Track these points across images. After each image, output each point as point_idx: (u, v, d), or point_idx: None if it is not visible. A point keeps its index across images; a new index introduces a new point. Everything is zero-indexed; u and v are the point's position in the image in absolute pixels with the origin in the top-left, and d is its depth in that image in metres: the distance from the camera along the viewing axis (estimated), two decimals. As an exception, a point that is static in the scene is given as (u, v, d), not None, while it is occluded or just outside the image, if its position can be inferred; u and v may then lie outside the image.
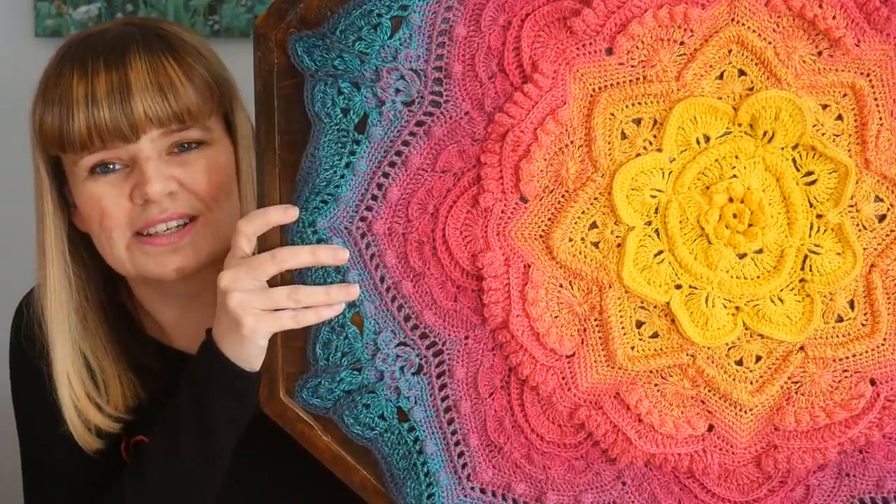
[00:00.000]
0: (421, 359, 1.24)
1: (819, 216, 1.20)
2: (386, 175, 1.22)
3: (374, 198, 1.22)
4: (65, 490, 1.43)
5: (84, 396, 1.40)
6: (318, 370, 1.25)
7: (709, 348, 1.21)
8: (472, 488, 1.25)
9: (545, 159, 1.20)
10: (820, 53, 1.18)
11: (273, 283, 1.23)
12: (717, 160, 1.20)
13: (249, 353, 1.24)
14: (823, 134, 1.19)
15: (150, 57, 1.35)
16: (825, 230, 1.20)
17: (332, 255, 1.22)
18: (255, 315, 1.22)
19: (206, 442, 1.28)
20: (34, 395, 1.43)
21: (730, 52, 1.18)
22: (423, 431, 1.25)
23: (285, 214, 1.22)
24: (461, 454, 1.25)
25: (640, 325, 1.22)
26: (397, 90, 1.20)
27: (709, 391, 1.22)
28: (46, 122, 1.36)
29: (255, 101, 1.24)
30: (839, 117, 1.19)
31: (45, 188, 1.40)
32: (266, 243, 1.24)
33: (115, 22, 1.46)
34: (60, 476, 1.44)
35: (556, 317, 1.22)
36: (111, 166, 1.36)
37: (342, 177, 1.22)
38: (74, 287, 1.41)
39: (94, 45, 1.37)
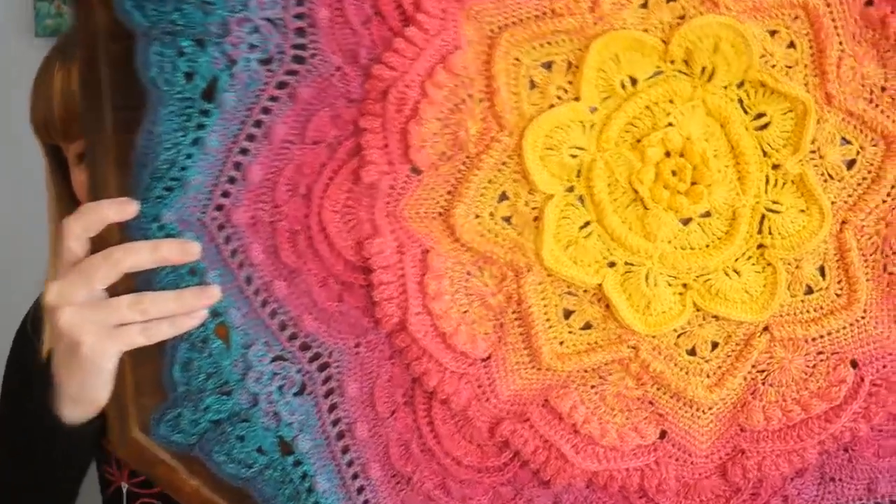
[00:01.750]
0: (303, 375, 1.02)
1: (775, 167, 1.02)
2: (244, 151, 1.00)
3: (232, 180, 1.00)
4: None
5: None
6: (178, 398, 1.02)
7: (654, 337, 1.03)
8: (378, 530, 1.04)
9: (439, 119, 0.99)
10: (762, -32, 0.99)
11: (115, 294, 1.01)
12: (647, 107, 1.00)
13: (95, 382, 1.01)
14: (774, 66, 1.00)
15: None
16: (784, 183, 1.02)
17: (180, 250, 0.99)
18: (95, 333, 0.99)
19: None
20: (24, 367, 1.42)
21: (653, -28, 0.98)
22: (313, 465, 1.03)
23: (122, 210, 0.99)
24: (361, 489, 1.04)
25: (568, 314, 1.03)
26: (251, 46, 0.98)
27: (657, 390, 1.03)
28: (35, 111, 1.42)
29: (79, 74, 1.01)
30: (791, 45, 1.00)
31: (47, 173, 1.45)
32: (104, 245, 1.01)
33: None
34: None
35: (466, 312, 1.02)
36: None
37: (189, 157, 0.99)
38: None
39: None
